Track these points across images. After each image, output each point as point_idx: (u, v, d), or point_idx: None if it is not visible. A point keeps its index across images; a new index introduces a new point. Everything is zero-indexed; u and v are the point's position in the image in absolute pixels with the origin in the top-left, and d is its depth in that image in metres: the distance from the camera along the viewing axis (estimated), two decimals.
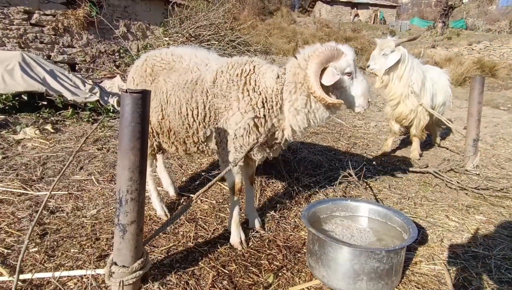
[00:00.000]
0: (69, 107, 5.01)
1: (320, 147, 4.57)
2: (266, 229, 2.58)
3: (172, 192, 3.05)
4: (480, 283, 2.01)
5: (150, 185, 2.70)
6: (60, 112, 4.96)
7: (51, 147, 3.90)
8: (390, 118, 4.65)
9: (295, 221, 2.72)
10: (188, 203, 2.12)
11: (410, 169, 4.11)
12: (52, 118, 4.76)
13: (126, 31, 8.33)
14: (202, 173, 3.58)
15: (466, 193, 3.53)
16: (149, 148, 2.57)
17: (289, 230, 2.60)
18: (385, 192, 3.45)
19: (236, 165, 2.19)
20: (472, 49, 22.02)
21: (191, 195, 3.06)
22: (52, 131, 4.34)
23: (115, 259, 1.73)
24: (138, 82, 2.45)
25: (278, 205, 2.93)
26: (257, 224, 2.58)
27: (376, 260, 1.74)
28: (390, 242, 1.98)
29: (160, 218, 2.67)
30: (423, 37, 28.03)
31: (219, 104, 2.14)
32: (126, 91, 1.60)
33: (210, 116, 2.18)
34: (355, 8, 32.24)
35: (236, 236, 2.35)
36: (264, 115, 2.08)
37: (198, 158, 3.89)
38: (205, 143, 2.31)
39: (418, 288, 1.94)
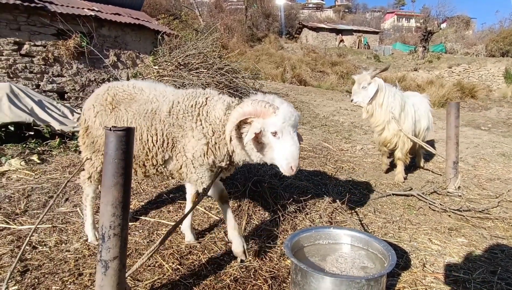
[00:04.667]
0: (57, 137, 5.02)
1: (307, 173, 4.64)
2: (252, 259, 2.58)
3: None
4: None
5: (88, 211, 2.78)
6: (47, 142, 4.96)
7: (36, 178, 3.87)
8: (377, 143, 4.95)
9: (282, 250, 2.73)
10: (172, 228, 2.16)
11: (395, 192, 4.20)
12: (38, 148, 4.75)
13: (116, 60, 8.50)
14: (164, 195, 3.62)
15: (449, 215, 3.61)
16: (98, 174, 2.71)
17: (275, 259, 2.60)
18: (370, 216, 3.51)
19: (206, 193, 2.42)
20: (452, 72, 23.00)
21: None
22: (38, 162, 4.32)
23: None
24: (98, 110, 2.60)
25: (264, 233, 2.95)
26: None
27: (357, 289, 1.77)
28: (371, 269, 2.01)
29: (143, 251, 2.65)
30: (406, 60, 29.21)
31: (176, 133, 2.39)
32: (110, 129, 1.66)
33: (168, 143, 2.41)
34: (340, 34, 33.56)
35: (240, 245, 2.48)
36: (215, 142, 2.31)
37: (150, 181, 3.92)
38: (163, 166, 2.50)
39: None
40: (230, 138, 2.22)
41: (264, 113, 2.09)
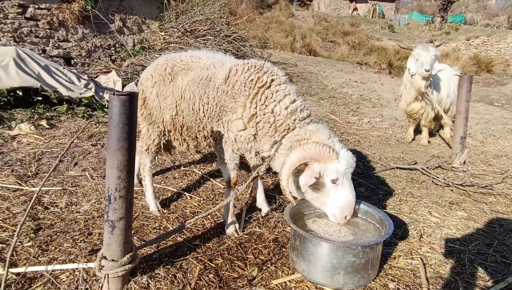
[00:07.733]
0: (64, 103, 5.06)
1: None
2: (260, 225, 2.67)
3: None
4: (453, 277, 2.12)
5: (147, 181, 2.82)
6: (55, 107, 5.02)
7: (46, 142, 3.97)
8: (404, 113, 5.37)
9: None
10: (207, 212, 2.23)
11: (399, 165, 4.21)
12: (47, 113, 4.82)
13: (121, 26, 8.33)
14: (195, 170, 3.66)
15: (451, 190, 3.63)
16: (155, 146, 2.73)
17: (280, 225, 2.69)
18: (372, 188, 3.55)
19: (258, 175, 2.35)
20: (470, 44, 22.01)
21: (186, 193, 3.15)
22: (47, 126, 4.40)
23: (104, 254, 1.81)
24: (156, 80, 2.58)
25: (272, 200, 3.03)
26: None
27: (353, 255, 1.84)
28: (367, 238, 2.07)
29: (152, 215, 2.76)
30: (422, 31, 27.98)
31: (226, 102, 2.23)
32: (114, 93, 1.67)
33: (215, 111, 2.30)
34: (354, 2, 32.02)
35: (232, 225, 2.51)
36: (266, 134, 2.18)
37: (191, 154, 3.97)
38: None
39: (394, 281, 2.05)
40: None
41: (326, 158, 1.94)
